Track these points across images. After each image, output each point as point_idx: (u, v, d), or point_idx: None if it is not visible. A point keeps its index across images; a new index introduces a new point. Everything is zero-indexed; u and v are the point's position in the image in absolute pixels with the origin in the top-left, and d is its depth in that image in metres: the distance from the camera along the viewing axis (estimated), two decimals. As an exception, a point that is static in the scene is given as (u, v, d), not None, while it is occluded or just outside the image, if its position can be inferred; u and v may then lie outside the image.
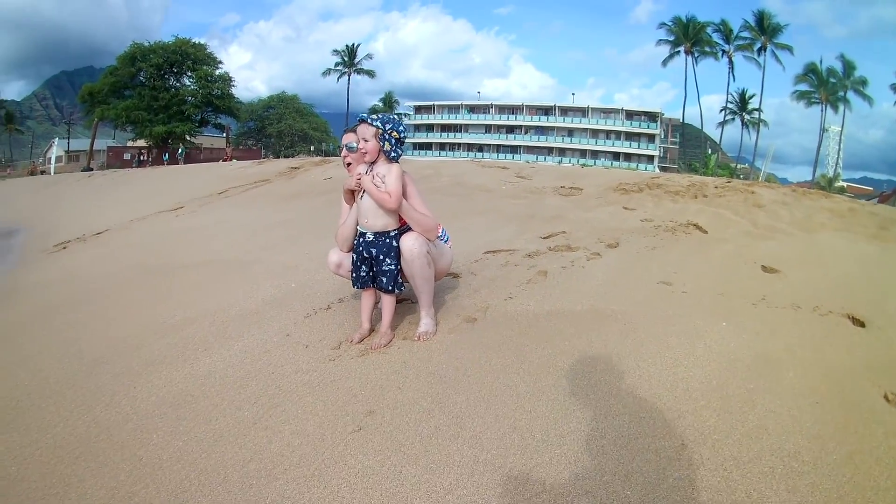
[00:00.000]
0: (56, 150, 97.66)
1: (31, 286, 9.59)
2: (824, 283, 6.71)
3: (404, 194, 5.21)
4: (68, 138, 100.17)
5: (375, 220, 5.24)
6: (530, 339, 5.10)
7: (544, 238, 9.19)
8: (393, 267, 5.25)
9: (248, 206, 16.11)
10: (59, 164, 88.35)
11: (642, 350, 4.80)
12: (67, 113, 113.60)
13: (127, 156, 77.04)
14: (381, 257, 5.25)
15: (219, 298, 7.06)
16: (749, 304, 5.89)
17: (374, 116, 5.19)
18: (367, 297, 5.51)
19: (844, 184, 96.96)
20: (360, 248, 5.33)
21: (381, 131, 5.12)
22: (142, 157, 74.09)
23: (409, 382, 4.46)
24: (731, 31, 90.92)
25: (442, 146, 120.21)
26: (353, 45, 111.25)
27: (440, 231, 5.69)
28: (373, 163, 5.25)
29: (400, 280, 5.34)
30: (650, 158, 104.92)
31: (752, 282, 6.73)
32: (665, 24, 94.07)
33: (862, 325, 5.47)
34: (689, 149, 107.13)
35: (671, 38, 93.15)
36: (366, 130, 5.14)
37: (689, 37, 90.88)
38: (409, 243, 5.16)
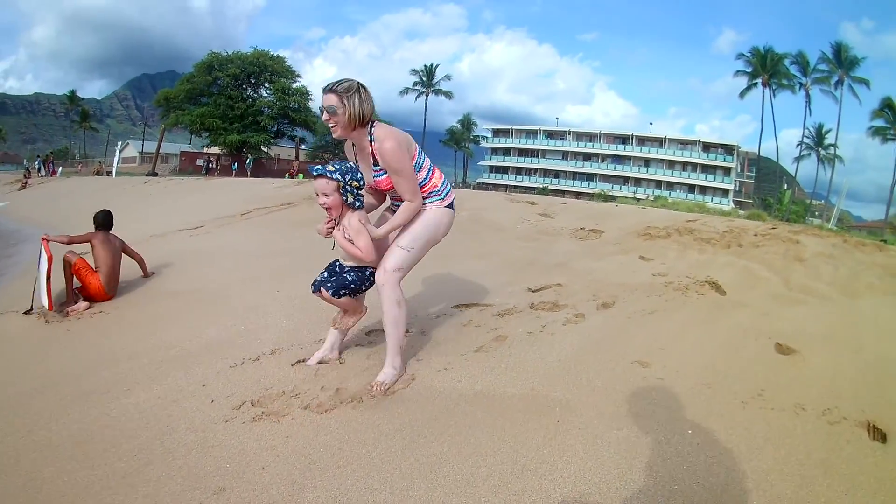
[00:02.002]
0: (126, 150, 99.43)
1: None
2: (850, 373, 5.24)
3: (376, 163, 5.09)
4: (143, 139, 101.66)
5: (350, 261, 5.28)
6: (432, 430, 4.37)
7: (534, 291, 8.04)
8: (350, 277, 5.25)
9: (262, 230, 15.57)
10: (132, 164, 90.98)
11: (562, 461, 3.85)
12: (147, 114, 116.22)
13: (200, 161, 77.15)
14: (345, 272, 5.28)
15: (171, 334, 6.80)
16: (738, 401, 4.64)
17: (332, 169, 4.99)
18: (325, 301, 5.35)
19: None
20: (334, 266, 5.40)
21: (341, 184, 4.97)
22: (210, 165, 74.10)
23: (273, 465, 3.96)
24: (808, 63, 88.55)
25: (518, 170, 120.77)
26: (433, 65, 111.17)
27: (437, 182, 5.47)
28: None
29: (343, 293, 5.25)
30: (725, 192, 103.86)
31: (755, 367, 5.38)
32: (743, 54, 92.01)
33: (884, 438, 4.13)
34: (766, 183, 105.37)
35: (749, 70, 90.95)
36: (326, 186, 5.01)
37: (766, 68, 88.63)
38: (379, 278, 5.15)
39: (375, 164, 5.12)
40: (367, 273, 5.28)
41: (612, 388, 4.86)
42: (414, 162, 5.21)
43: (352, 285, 5.24)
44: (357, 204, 5.06)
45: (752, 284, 8.50)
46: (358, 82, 5.07)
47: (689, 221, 13.68)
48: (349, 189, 4.98)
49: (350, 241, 5.05)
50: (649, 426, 4.22)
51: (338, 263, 5.37)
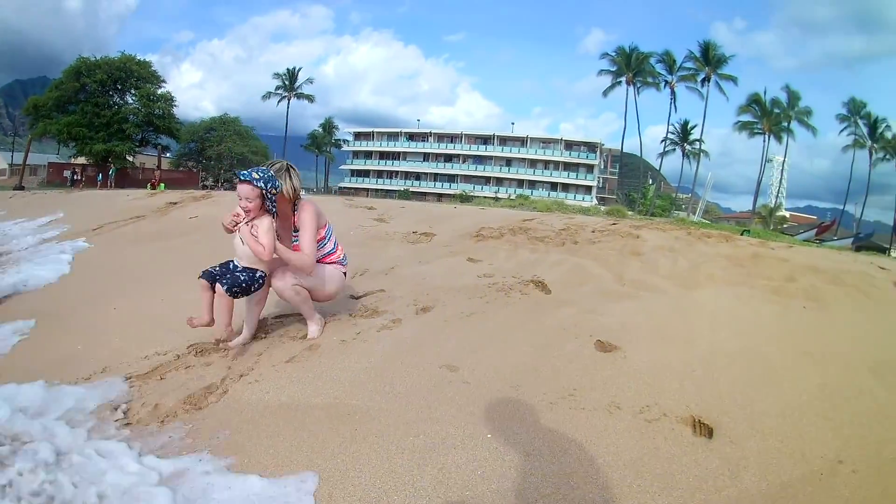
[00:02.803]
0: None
1: None
2: (677, 367, 5.14)
3: (296, 229, 5.87)
4: (12, 151, 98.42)
5: (244, 260, 5.69)
6: (233, 442, 4.29)
7: (356, 298, 7.88)
8: (242, 276, 5.62)
9: (108, 245, 14.81)
10: (2, 176, 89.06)
11: (355, 470, 3.80)
12: (18, 123, 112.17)
13: (66, 173, 75.42)
14: (238, 271, 5.67)
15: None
16: (547, 402, 4.52)
17: (256, 177, 5.48)
18: (206, 290, 5.67)
19: (787, 213, 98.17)
20: (225, 266, 5.77)
21: (263, 191, 5.48)
22: (75, 177, 72.19)
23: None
24: (674, 61, 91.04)
25: (380, 174, 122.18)
26: (294, 68, 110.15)
27: (339, 255, 6.39)
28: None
29: (236, 291, 5.58)
30: (588, 189, 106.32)
31: (571, 366, 5.21)
32: (608, 54, 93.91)
33: (710, 433, 4.10)
34: (630, 179, 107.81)
35: (613, 69, 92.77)
36: (250, 192, 5.46)
37: (631, 67, 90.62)
38: (277, 285, 5.81)
39: (295, 230, 5.90)
40: (258, 275, 5.72)
41: (416, 394, 4.75)
42: (324, 231, 6.11)
43: (243, 284, 5.60)
44: (273, 210, 5.57)
45: (580, 282, 8.38)
46: (287, 163, 5.92)
47: (526, 221, 13.74)
48: (269, 197, 5.51)
49: (255, 238, 5.47)
50: (447, 432, 4.12)
51: (231, 262, 5.77)
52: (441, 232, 12.97)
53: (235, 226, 5.58)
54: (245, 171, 5.55)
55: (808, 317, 6.82)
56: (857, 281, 8.32)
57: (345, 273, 6.51)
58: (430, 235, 12.68)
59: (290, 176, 5.83)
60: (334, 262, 6.33)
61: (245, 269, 5.68)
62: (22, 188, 55.30)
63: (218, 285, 5.52)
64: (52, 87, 76.04)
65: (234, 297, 5.61)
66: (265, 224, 5.50)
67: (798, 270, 8.76)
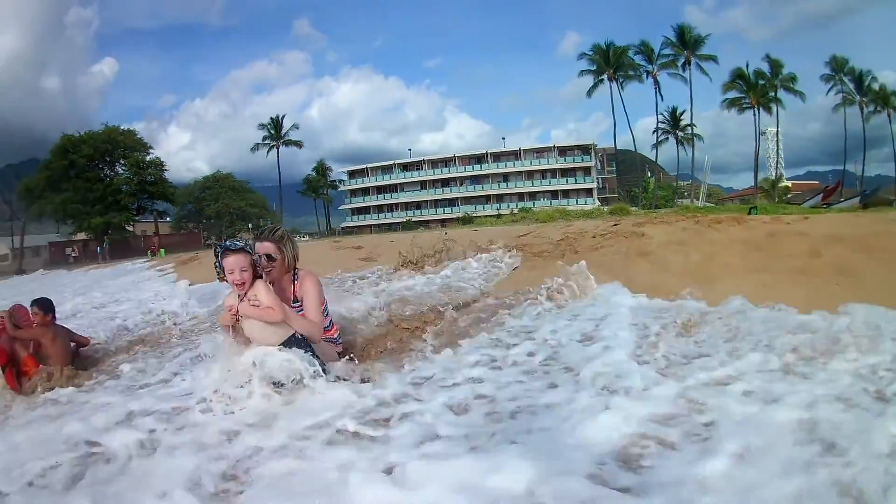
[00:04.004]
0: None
1: None
2: None
3: (296, 299, 5.70)
4: (12, 235, 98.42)
5: (269, 339, 5.15)
6: None
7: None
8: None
9: None
10: (5, 262, 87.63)
11: None
12: (15, 208, 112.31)
13: (67, 251, 74.99)
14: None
15: None
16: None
17: (241, 244, 5.22)
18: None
19: (789, 183, 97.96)
20: None
21: (252, 257, 5.17)
22: (73, 254, 71.94)
23: None
24: (651, 50, 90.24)
25: (380, 208, 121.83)
26: (279, 117, 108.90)
27: (334, 333, 6.22)
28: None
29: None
30: (588, 192, 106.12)
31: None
32: (586, 53, 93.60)
33: None
34: (629, 175, 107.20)
35: (593, 68, 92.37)
36: (243, 260, 5.14)
37: (610, 63, 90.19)
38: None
39: (295, 300, 5.71)
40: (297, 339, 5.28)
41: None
42: (323, 306, 5.87)
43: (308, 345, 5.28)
44: (262, 273, 5.24)
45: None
46: (285, 229, 5.86)
47: (521, 237, 13.43)
48: (258, 262, 5.21)
49: (257, 306, 5.10)
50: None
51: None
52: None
53: (236, 314, 5.17)
54: (228, 242, 5.28)
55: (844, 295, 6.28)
56: (889, 244, 7.79)
57: (339, 353, 6.15)
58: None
59: (291, 243, 5.70)
60: (330, 341, 6.10)
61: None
62: (23, 272, 55.14)
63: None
64: (41, 168, 77.50)
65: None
66: (260, 287, 5.15)
67: (820, 243, 8.30)
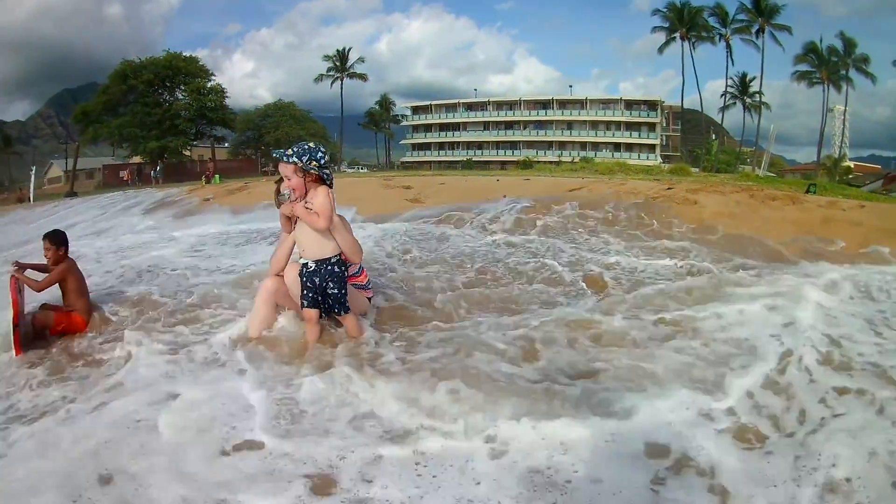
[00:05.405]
0: (51, 171, 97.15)
1: None
2: None
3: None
4: (66, 158, 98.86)
5: (313, 248, 5.71)
6: None
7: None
8: (337, 291, 5.75)
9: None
10: (58, 184, 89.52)
11: None
12: (72, 131, 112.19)
13: (122, 173, 75.39)
14: (325, 284, 5.73)
15: None
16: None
17: (290, 153, 5.51)
18: (312, 323, 5.91)
19: (851, 163, 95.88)
20: (304, 279, 5.78)
21: (299, 165, 5.46)
22: (126, 178, 72.36)
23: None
24: (726, 13, 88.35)
25: (441, 145, 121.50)
26: (345, 49, 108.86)
27: (363, 280, 6.64)
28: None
29: (347, 303, 5.84)
30: (651, 147, 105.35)
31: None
32: (659, 10, 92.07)
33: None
34: (693, 135, 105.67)
35: (666, 25, 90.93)
36: (285, 169, 5.54)
37: (683, 22, 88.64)
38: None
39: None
40: (332, 262, 5.76)
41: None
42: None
43: (339, 293, 5.77)
44: (325, 178, 5.59)
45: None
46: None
47: (573, 190, 13.37)
48: (307, 168, 5.47)
49: (309, 211, 5.52)
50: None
51: (306, 271, 5.78)
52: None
53: (290, 210, 5.71)
54: (280, 150, 5.61)
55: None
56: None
57: (369, 298, 6.79)
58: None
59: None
60: (360, 287, 6.55)
61: (326, 278, 5.73)
62: (75, 194, 54.50)
63: (343, 313, 5.85)
64: (99, 93, 76.40)
65: (348, 310, 5.91)
66: (320, 193, 5.55)
67: (873, 234, 8.28)
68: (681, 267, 8.16)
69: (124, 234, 17.04)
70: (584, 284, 7.80)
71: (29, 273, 7.42)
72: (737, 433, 3.98)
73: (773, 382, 4.58)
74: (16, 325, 6.76)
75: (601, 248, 9.68)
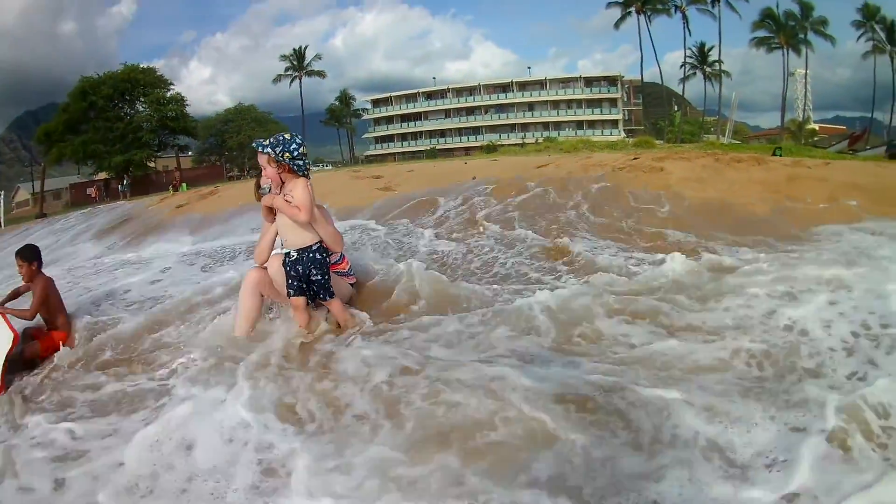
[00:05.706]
0: (19, 195, 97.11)
1: None
2: None
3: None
4: (32, 181, 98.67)
5: (294, 237, 5.86)
6: None
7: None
8: (320, 277, 5.94)
9: None
10: (26, 207, 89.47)
11: None
12: (35, 153, 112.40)
13: (88, 191, 74.53)
14: (308, 271, 5.89)
15: None
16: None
17: (265, 143, 5.67)
18: (300, 311, 6.08)
19: (816, 126, 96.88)
20: (288, 268, 5.92)
21: (273, 156, 5.60)
22: (92, 195, 71.26)
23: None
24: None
25: (403, 136, 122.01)
26: (302, 47, 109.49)
27: (345, 267, 6.92)
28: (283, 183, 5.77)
29: (331, 288, 6.05)
30: (614, 123, 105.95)
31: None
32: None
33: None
34: (655, 108, 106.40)
35: (620, 0, 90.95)
36: (261, 158, 5.68)
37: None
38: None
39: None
40: (315, 252, 5.91)
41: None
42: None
43: (323, 279, 5.97)
44: (298, 170, 5.70)
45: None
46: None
47: (540, 167, 13.40)
48: (280, 160, 5.60)
49: (289, 203, 5.63)
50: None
51: (286, 258, 5.94)
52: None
53: (269, 203, 5.82)
54: (258, 140, 5.78)
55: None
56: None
57: (352, 284, 7.08)
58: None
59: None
60: (342, 274, 6.81)
61: (308, 266, 5.88)
62: (44, 215, 53.96)
63: (328, 299, 6.05)
64: (59, 112, 76.13)
65: (333, 295, 6.10)
66: (299, 185, 5.67)
67: (839, 191, 8.25)
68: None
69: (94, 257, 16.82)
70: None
71: (11, 305, 7.37)
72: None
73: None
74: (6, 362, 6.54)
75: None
